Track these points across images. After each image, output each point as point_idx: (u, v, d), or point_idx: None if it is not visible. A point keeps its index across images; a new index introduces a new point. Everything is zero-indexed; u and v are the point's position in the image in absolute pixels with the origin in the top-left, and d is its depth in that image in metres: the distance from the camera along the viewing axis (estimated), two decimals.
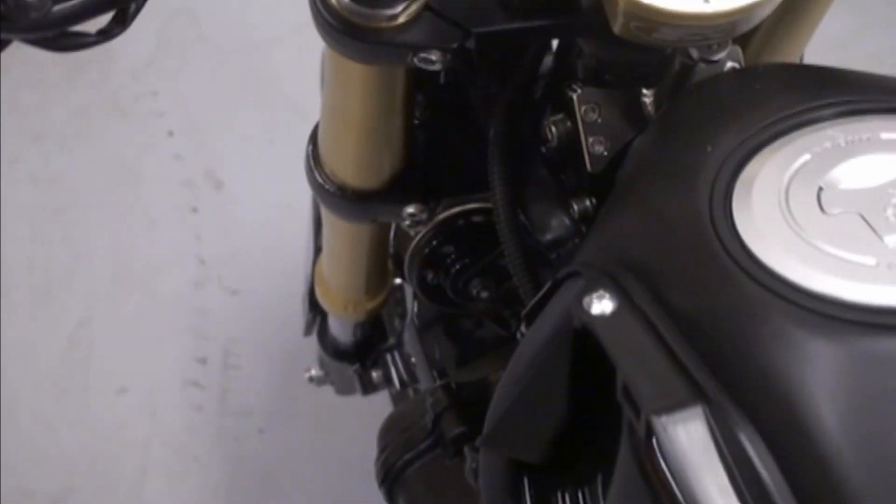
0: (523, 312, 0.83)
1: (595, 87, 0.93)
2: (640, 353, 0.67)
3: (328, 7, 0.84)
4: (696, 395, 0.63)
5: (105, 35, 0.73)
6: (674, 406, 0.63)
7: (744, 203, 0.70)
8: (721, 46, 0.88)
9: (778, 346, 0.63)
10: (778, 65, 0.92)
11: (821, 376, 0.62)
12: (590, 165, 0.92)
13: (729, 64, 0.93)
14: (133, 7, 0.71)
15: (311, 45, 2.30)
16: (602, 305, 0.70)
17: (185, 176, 2.31)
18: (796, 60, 1.10)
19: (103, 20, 0.72)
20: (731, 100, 0.81)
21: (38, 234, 2.25)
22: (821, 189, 0.70)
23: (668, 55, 0.89)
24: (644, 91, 0.92)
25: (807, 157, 0.72)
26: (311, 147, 1.11)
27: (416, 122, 1.09)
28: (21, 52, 2.14)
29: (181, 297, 2.19)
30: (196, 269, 2.22)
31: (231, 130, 2.34)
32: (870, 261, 0.65)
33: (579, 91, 0.92)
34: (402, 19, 0.83)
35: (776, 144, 0.73)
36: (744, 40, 0.99)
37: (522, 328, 0.83)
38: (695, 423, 0.63)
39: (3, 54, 0.72)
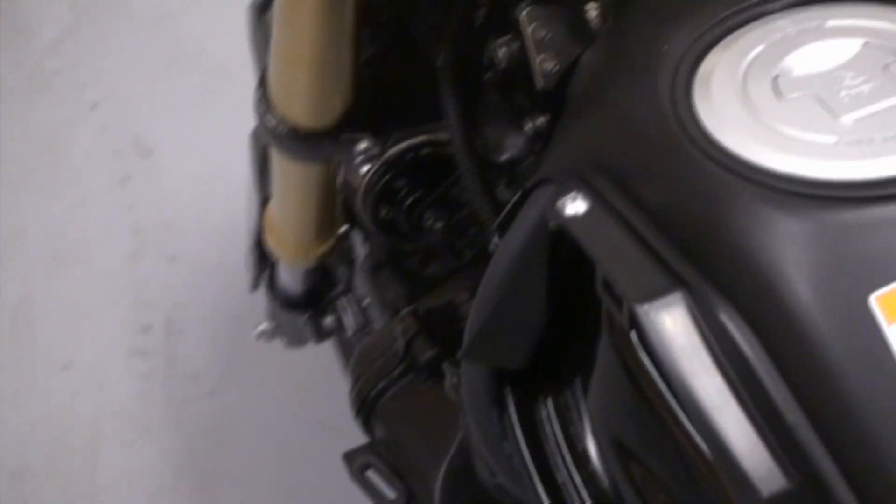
0: (495, 223, 0.85)
1: (541, 4, 0.95)
2: (617, 248, 0.70)
3: None
4: (675, 282, 0.66)
5: None
6: (655, 294, 0.66)
7: (704, 95, 0.72)
8: None
9: (748, 225, 0.66)
10: None
11: (790, 250, 0.65)
12: (542, 82, 0.94)
13: None
14: None
15: (230, 10, 2.31)
16: (576, 206, 0.73)
17: (113, 147, 2.31)
18: None
19: None
20: (679, 2, 0.84)
21: None
22: (776, 76, 0.73)
23: None
24: (589, 4, 0.95)
25: (760, 47, 0.75)
26: (260, 91, 1.12)
27: (371, 52, 1.11)
28: None
29: (119, 268, 2.20)
30: (132, 239, 2.22)
31: (156, 98, 2.34)
32: (829, 139, 0.68)
33: (526, 9, 0.94)
34: None
35: (729, 38, 0.76)
36: None
37: (495, 240, 0.85)
38: (676, 309, 0.65)
39: None
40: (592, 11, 0.94)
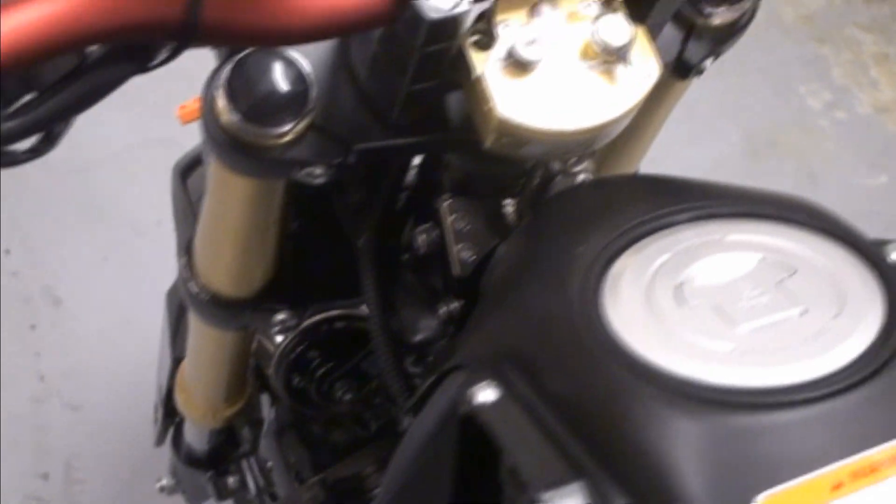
0: (408, 405, 0.89)
1: (461, 197, 1.00)
2: (523, 437, 0.74)
3: (218, 123, 0.90)
4: (575, 472, 0.70)
5: (35, 153, 0.78)
6: (556, 483, 0.70)
7: (612, 298, 0.77)
8: (581, 160, 0.97)
9: (647, 424, 0.71)
10: (631, 176, 1.01)
11: (684, 449, 0.69)
12: (458, 270, 0.99)
13: (582, 176, 1.02)
14: (61, 127, 0.77)
15: (143, 165, 2.34)
16: (486, 395, 0.77)
17: (23, 294, 2.32)
18: (633, 171, 1.20)
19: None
20: (594, 207, 0.89)
21: None
22: (680, 284, 0.78)
23: (531, 168, 0.97)
24: (507, 200, 1.00)
25: (666, 255, 0.80)
26: (185, 258, 1.16)
27: (295, 229, 1.15)
28: None
29: (21, 413, 2.19)
30: (36, 386, 2.22)
31: (67, 248, 2.36)
32: (726, 347, 0.73)
33: (448, 201, 0.99)
34: (289, 137, 0.90)
35: (639, 245, 0.81)
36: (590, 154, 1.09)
37: (407, 420, 0.89)
38: (576, 498, 0.69)
39: None
40: (509, 207, 1.00)
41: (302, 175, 0.92)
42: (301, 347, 1.22)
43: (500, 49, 0.84)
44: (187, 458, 1.65)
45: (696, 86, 2.23)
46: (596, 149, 0.92)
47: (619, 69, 0.85)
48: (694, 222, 0.83)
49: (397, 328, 1.07)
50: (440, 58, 0.83)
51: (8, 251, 2.35)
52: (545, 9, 0.86)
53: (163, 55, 0.74)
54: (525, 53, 0.83)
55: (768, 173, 2.55)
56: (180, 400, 1.45)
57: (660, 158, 2.39)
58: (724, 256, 0.80)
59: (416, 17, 0.78)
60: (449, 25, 0.80)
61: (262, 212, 1.03)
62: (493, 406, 0.76)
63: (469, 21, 0.84)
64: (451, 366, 0.83)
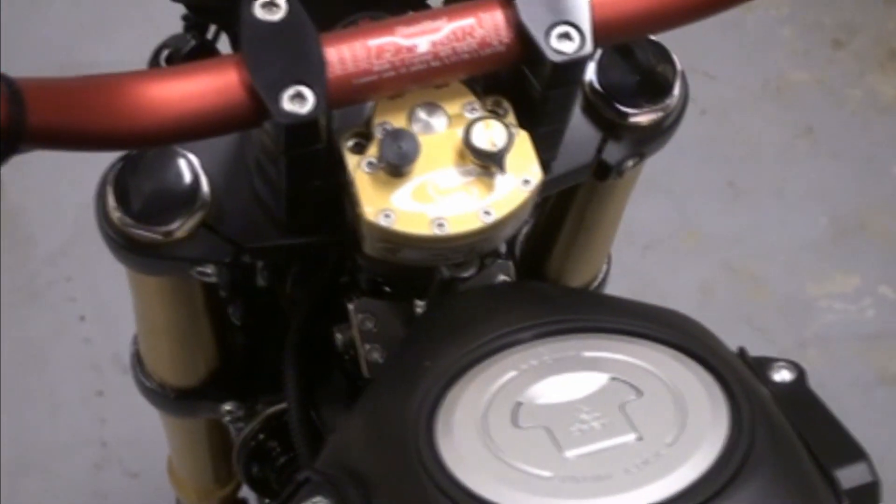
0: None
1: (374, 297, 0.99)
2: None
3: (110, 222, 0.90)
4: None
5: None
6: None
7: (447, 419, 0.75)
8: (469, 264, 0.94)
9: None
10: (515, 283, 0.98)
11: None
12: (366, 371, 0.97)
13: (500, 277, 0.99)
14: None
15: None
16: None
17: (92, 360, 2.35)
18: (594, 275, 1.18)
19: None
20: (460, 316, 0.87)
21: None
22: (519, 404, 0.75)
23: (430, 270, 0.95)
24: (417, 301, 0.98)
25: (513, 373, 0.77)
26: (134, 347, 1.17)
27: (237, 323, 1.15)
28: None
29: (82, 479, 2.22)
30: (98, 452, 2.25)
31: None
32: (547, 474, 0.70)
33: (355, 301, 0.98)
34: (178, 235, 0.90)
35: (489, 361, 0.79)
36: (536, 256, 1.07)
37: None
38: None
39: None
40: (419, 308, 0.98)
41: (196, 274, 0.92)
42: (260, 437, 1.21)
43: (375, 152, 0.82)
44: None
45: (787, 165, 2.18)
46: (483, 254, 0.90)
47: (496, 177, 0.83)
48: (553, 337, 0.80)
49: (318, 424, 1.05)
50: (311, 160, 0.82)
51: (83, 317, 2.40)
52: (424, 111, 0.84)
53: None
54: (396, 158, 0.81)
55: (854, 256, 2.47)
56: (171, 482, 1.45)
57: (747, 238, 2.36)
58: (573, 375, 0.77)
59: (276, 122, 0.77)
60: (308, 129, 0.78)
61: (181, 307, 1.03)
62: None
63: (335, 124, 0.83)
64: (305, 476, 0.81)
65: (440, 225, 0.82)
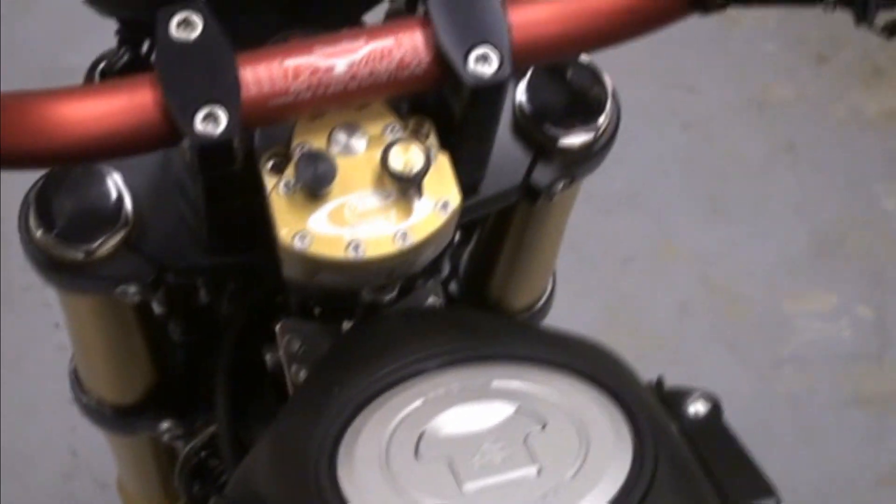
0: None
1: (302, 318, 0.98)
2: None
3: (32, 240, 0.89)
4: None
5: None
6: None
7: (349, 450, 0.74)
8: (391, 287, 0.93)
9: None
10: (435, 309, 0.97)
11: None
12: (292, 392, 0.96)
13: (430, 299, 0.98)
14: None
15: None
16: None
17: (66, 368, 2.34)
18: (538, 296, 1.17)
19: None
20: (374, 341, 0.86)
21: None
22: (422, 434, 0.74)
23: (355, 292, 0.94)
24: (345, 323, 0.97)
25: (419, 402, 0.76)
26: (71, 363, 1.16)
27: (178, 339, 1.14)
28: None
29: (51, 488, 2.21)
30: (68, 461, 2.24)
31: None
32: None
33: (282, 322, 0.97)
34: (100, 254, 0.89)
35: (396, 389, 0.78)
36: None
37: None
38: None
39: None
40: (346, 324, 0.97)
41: (119, 293, 0.91)
42: (201, 455, 1.20)
43: (292, 174, 0.81)
44: None
45: (768, 181, 2.15)
46: (402, 278, 0.89)
47: (414, 199, 0.82)
48: (463, 365, 0.79)
49: (248, 444, 1.04)
50: (228, 180, 0.81)
51: (58, 325, 2.38)
52: (344, 133, 0.83)
53: None
54: (312, 180, 0.80)
55: (833, 274, 2.45)
56: (123, 499, 1.44)
57: (727, 254, 2.35)
58: (479, 405, 0.76)
59: (189, 143, 0.76)
60: (221, 150, 0.77)
61: (110, 324, 1.02)
62: None
63: (257, 143, 0.82)
64: (213, 501, 0.81)
65: (356, 248, 0.81)
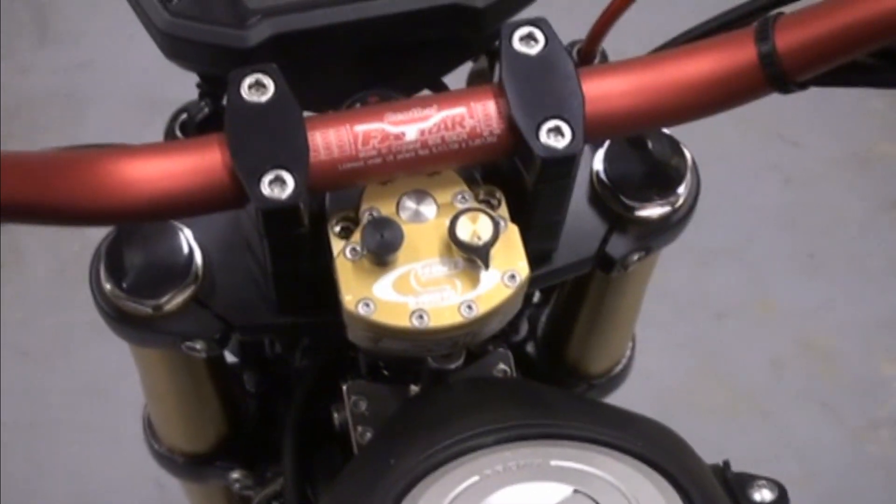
0: None
1: (371, 379, 0.97)
2: None
3: (101, 293, 0.90)
4: None
5: None
6: None
7: None
8: (456, 356, 0.92)
9: None
10: (500, 380, 0.96)
11: None
12: (357, 452, 0.96)
13: (499, 367, 0.97)
14: None
15: None
16: None
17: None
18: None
19: None
20: (431, 413, 0.85)
21: (9, 447, 2.31)
22: None
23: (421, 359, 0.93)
24: (412, 387, 0.97)
25: (475, 478, 0.75)
26: (144, 411, 1.16)
27: (251, 390, 1.14)
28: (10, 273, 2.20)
29: None
30: (155, 493, 2.25)
31: None
32: None
33: (349, 382, 0.96)
34: (168, 309, 0.89)
35: (453, 464, 0.76)
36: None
37: None
38: None
39: None
40: (414, 388, 0.96)
41: (186, 349, 0.91)
42: None
43: (359, 239, 0.81)
44: None
45: (870, 239, 2.10)
46: (468, 347, 0.88)
47: (481, 270, 0.81)
48: (522, 442, 0.77)
49: (314, 500, 1.04)
50: (294, 243, 0.81)
51: None
52: (413, 199, 0.82)
53: None
54: (378, 247, 0.80)
55: None
56: None
57: (824, 312, 2.30)
58: (536, 485, 0.74)
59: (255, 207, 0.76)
60: (287, 214, 0.77)
61: (181, 377, 1.02)
62: None
63: (328, 205, 0.82)
64: None
65: (420, 317, 0.80)
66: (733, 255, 2.46)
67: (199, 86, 0.96)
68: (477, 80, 0.99)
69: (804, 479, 2.19)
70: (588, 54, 0.94)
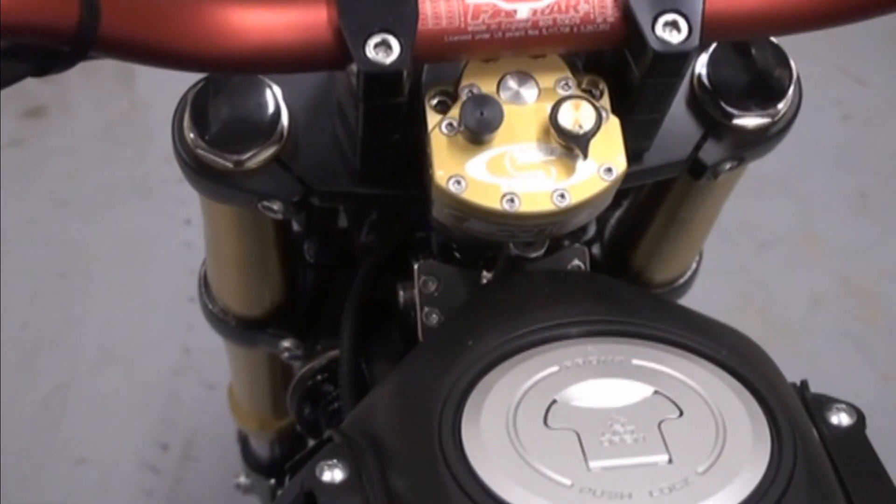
0: (287, 465, 0.86)
1: (442, 260, 0.95)
2: None
3: (183, 142, 0.88)
4: None
5: None
6: None
7: (476, 406, 0.72)
8: (538, 245, 0.90)
9: None
10: (582, 274, 0.94)
11: None
12: (421, 335, 0.94)
13: (574, 262, 0.95)
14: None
15: None
16: (333, 474, 0.73)
17: (191, 265, 2.36)
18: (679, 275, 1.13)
19: None
20: (515, 299, 0.83)
21: (39, 295, 2.32)
22: (554, 402, 0.72)
23: (500, 244, 0.91)
24: (485, 273, 0.95)
25: (555, 368, 0.73)
26: (202, 268, 1.15)
27: (311, 260, 1.13)
28: (60, 123, 2.19)
29: (159, 381, 2.23)
30: (179, 357, 2.26)
31: None
32: (566, 481, 0.67)
33: (421, 261, 0.95)
34: (249, 166, 0.87)
35: (532, 351, 0.75)
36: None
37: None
38: None
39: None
40: (485, 279, 0.95)
41: (263, 208, 0.89)
42: (316, 378, 1.19)
43: (456, 114, 0.79)
44: (253, 464, 1.65)
45: None
46: (552, 237, 0.86)
47: (578, 160, 0.79)
48: (605, 337, 0.76)
49: (369, 378, 1.03)
50: (390, 112, 0.79)
51: (189, 221, 2.40)
52: (516, 80, 0.80)
53: (61, 62, 0.72)
54: (476, 124, 0.78)
55: None
56: (231, 409, 1.44)
57: (868, 255, 2.28)
58: (616, 382, 0.73)
59: (357, 69, 0.74)
60: (389, 80, 0.75)
61: (250, 238, 1.01)
62: (336, 487, 0.72)
63: (425, 77, 0.79)
64: (329, 434, 0.79)
65: (511, 200, 0.78)
66: (783, 187, 2.44)
67: None
68: None
69: None
70: None
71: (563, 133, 0.77)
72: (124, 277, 2.35)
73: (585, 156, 0.78)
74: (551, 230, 0.83)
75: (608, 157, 0.79)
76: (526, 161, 0.79)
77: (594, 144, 0.78)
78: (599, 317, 0.77)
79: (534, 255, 0.90)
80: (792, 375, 0.91)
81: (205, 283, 1.16)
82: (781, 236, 2.40)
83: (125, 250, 2.39)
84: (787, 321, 2.30)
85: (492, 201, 0.78)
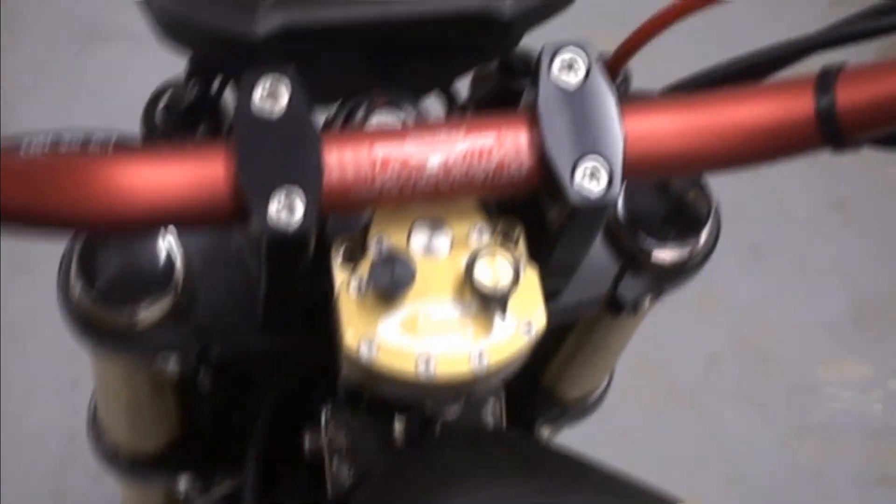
0: None
1: (352, 406, 0.90)
2: None
3: (69, 295, 0.82)
4: None
5: None
6: None
7: None
8: (453, 405, 0.85)
9: None
10: (498, 436, 0.90)
11: None
12: (330, 491, 0.89)
13: (490, 411, 0.91)
14: None
15: None
16: None
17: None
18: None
19: None
20: (435, 473, 0.79)
21: None
22: None
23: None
24: (397, 418, 0.90)
25: None
26: (92, 402, 1.09)
27: (206, 392, 1.07)
28: None
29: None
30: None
31: None
32: None
33: (329, 406, 0.89)
34: (142, 319, 0.81)
35: None
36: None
37: None
38: None
39: None
40: (399, 425, 0.89)
41: (156, 361, 0.83)
42: None
43: (365, 272, 0.73)
44: None
45: (814, 236, 2.05)
46: (472, 399, 0.82)
47: (495, 316, 0.74)
48: None
49: None
50: (295, 268, 0.73)
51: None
52: (427, 230, 0.75)
53: None
54: (387, 285, 0.72)
55: (870, 343, 2.37)
56: None
57: (763, 311, 2.26)
58: None
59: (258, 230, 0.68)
60: (294, 243, 0.69)
61: (139, 382, 0.95)
62: None
63: (326, 227, 0.74)
64: None
65: (426, 364, 0.73)
66: None
67: (189, 63, 0.86)
68: (482, 83, 0.92)
69: (731, 479, 2.16)
70: (612, 74, 0.86)
71: (479, 292, 0.73)
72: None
73: (504, 315, 0.73)
74: (468, 392, 0.78)
75: (528, 313, 0.75)
76: (440, 318, 0.74)
77: (513, 299, 0.74)
78: (523, 491, 0.73)
79: (449, 414, 0.85)
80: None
81: (94, 417, 1.09)
82: (675, 296, 2.37)
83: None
84: (684, 382, 2.28)
85: (406, 365, 0.73)
